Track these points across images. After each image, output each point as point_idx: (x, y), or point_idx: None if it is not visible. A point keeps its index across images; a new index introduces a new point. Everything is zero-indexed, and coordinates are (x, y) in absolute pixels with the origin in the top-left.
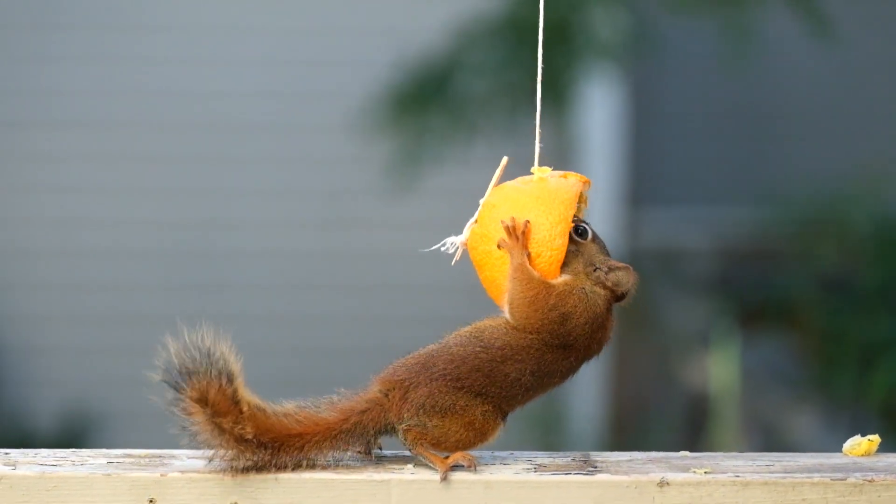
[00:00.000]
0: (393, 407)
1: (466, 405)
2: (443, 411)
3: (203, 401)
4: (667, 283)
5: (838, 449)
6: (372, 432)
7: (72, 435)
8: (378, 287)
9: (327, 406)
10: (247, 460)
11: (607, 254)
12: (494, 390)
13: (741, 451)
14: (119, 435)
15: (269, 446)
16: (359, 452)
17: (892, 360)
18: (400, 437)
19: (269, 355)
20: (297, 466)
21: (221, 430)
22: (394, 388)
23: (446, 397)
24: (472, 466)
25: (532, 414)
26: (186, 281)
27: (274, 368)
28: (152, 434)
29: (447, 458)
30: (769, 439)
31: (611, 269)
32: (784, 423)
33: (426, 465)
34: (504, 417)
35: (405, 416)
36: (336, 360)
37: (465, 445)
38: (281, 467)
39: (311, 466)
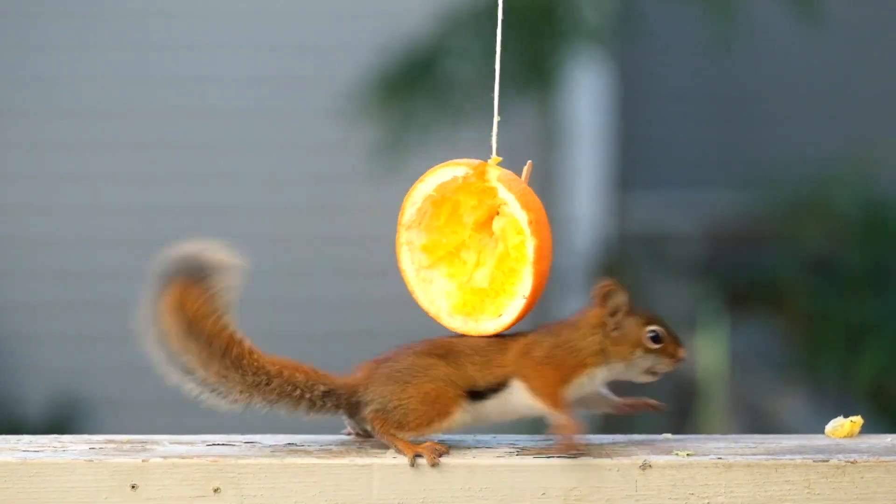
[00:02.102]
0: (361, 381)
1: (426, 366)
2: (404, 379)
3: (179, 303)
4: (654, 266)
5: (825, 431)
6: (343, 401)
7: (61, 422)
8: (365, 272)
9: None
10: (229, 384)
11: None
12: (454, 361)
13: (728, 433)
14: (108, 422)
15: (248, 371)
16: (358, 435)
17: (879, 342)
18: (369, 427)
19: (256, 340)
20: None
21: (204, 335)
22: (370, 365)
23: (407, 359)
24: (434, 460)
25: None
26: None
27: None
28: (142, 421)
29: (419, 445)
30: (756, 422)
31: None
32: (771, 406)
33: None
34: (466, 394)
35: (371, 389)
36: (322, 345)
37: (427, 423)
38: (257, 392)
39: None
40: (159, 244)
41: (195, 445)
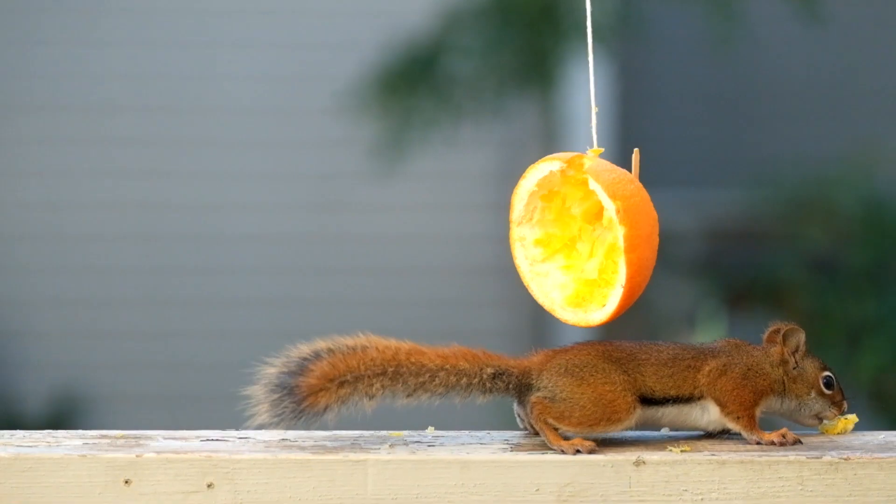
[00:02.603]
0: (536, 366)
1: (605, 370)
2: (580, 375)
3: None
4: (656, 264)
5: (818, 428)
6: (513, 382)
7: (59, 418)
8: (366, 269)
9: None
10: (395, 392)
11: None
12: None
13: None
14: (107, 418)
15: (409, 376)
16: (524, 430)
17: (879, 340)
18: (527, 410)
19: (256, 338)
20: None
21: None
22: (546, 353)
23: (586, 357)
24: (589, 451)
25: None
26: (174, 264)
27: (261, 351)
28: (139, 417)
29: (567, 440)
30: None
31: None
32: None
33: (412, 442)
34: (640, 401)
35: (544, 376)
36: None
37: (592, 424)
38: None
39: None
40: (158, 241)
41: (189, 441)
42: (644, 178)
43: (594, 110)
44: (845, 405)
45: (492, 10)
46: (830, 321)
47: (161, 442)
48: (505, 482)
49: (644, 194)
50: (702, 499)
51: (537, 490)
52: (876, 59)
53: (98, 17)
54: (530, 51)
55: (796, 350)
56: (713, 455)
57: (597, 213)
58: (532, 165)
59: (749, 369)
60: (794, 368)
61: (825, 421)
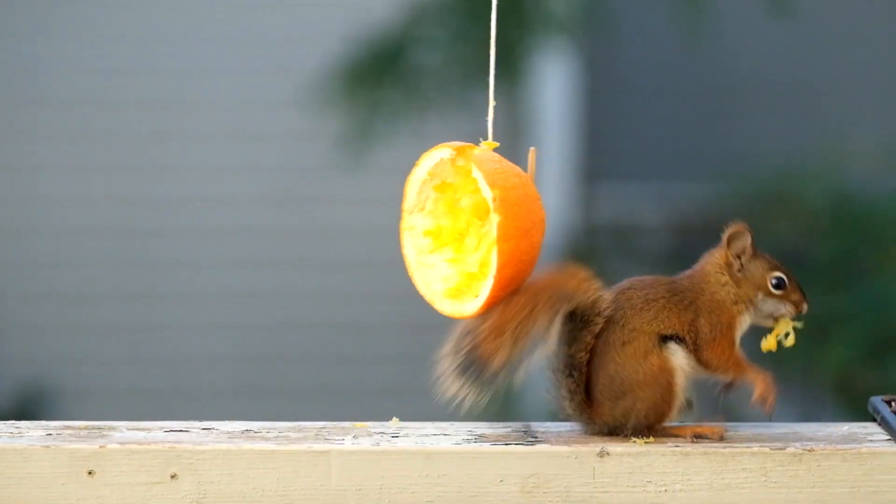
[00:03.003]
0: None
1: None
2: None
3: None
4: (621, 257)
5: (790, 421)
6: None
7: (25, 411)
8: (333, 261)
9: None
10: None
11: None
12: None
13: (691, 422)
14: (73, 410)
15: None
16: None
17: (846, 334)
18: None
19: (223, 331)
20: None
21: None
22: None
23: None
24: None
25: None
26: (141, 258)
27: (229, 344)
28: (105, 411)
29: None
30: (720, 412)
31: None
32: (737, 396)
33: (375, 433)
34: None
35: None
36: (290, 336)
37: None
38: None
39: None
40: (126, 235)
41: (152, 432)
42: (611, 169)
43: (491, 104)
44: (804, 306)
45: (458, 1)
46: (798, 315)
47: (124, 433)
48: (468, 473)
49: (530, 190)
50: (665, 490)
51: (501, 481)
52: (843, 53)
53: (64, 11)
54: (496, 43)
55: (740, 254)
56: (677, 447)
57: (487, 209)
58: (425, 152)
59: (709, 315)
60: (738, 271)
61: (780, 322)
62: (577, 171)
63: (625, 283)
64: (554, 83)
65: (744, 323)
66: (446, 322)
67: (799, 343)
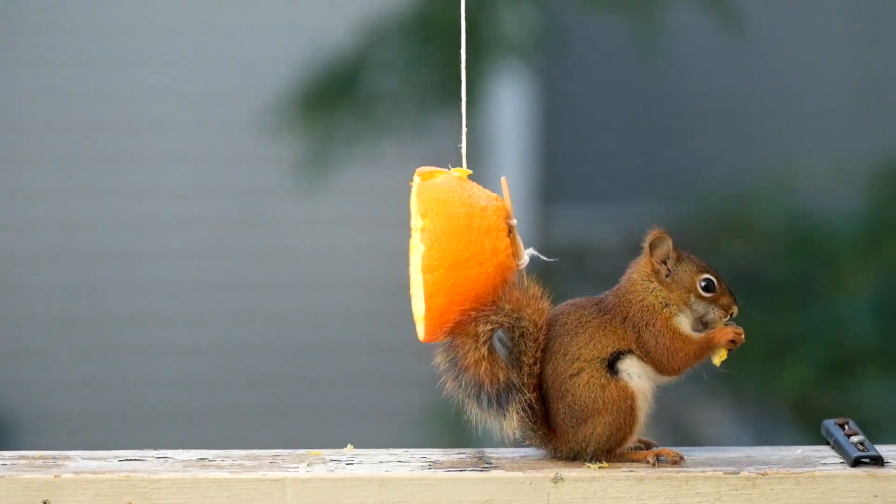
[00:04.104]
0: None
1: None
2: None
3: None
4: (578, 280)
5: (747, 444)
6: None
7: None
8: (289, 284)
9: None
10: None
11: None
12: None
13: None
14: (27, 438)
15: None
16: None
17: (802, 355)
18: None
19: (177, 355)
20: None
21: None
22: None
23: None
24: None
25: (435, 410)
26: (97, 281)
27: (183, 368)
28: (59, 438)
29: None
30: (677, 434)
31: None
32: (693, 418)
33: (330, 461)
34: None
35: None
36: (246, 358)
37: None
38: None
39: None
40: (79, 259)
41: (108, 461)
42: (567, 192)
43: (464, 130)
44: (734, 309)
45: (413, 26)
46: (754, 336)
47: (80, 462)
48: (423, 499)
49: (480, 222)
50: None
51: None
52: (796, 74)
53: (16, 35)
54: (451, 67)
55: (665, 259)
56: (631, 471)
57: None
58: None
59: (647, 329)
60: (666, 276)
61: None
62: (534, 194)
63: (557, 308)
64: (510, 106)
65: (682, 324)
66: (402, 344)
67: (755, 364)
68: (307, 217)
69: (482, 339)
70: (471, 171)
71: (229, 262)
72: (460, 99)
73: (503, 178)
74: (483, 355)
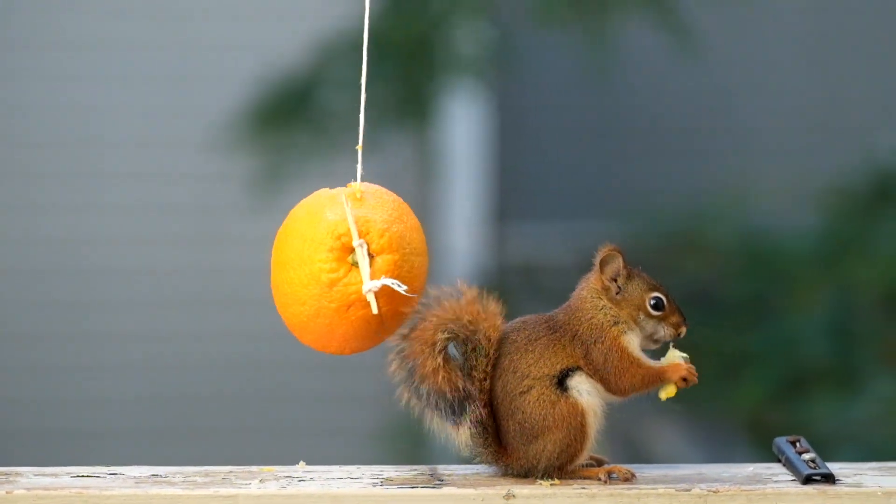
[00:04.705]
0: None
1: None
2: None
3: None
4: (533, 298)
5: (700, 461)
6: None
7: None
8: (244, 302)
9: None
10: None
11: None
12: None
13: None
14: None
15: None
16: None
17: (756, 373)
18: None
19: (130, 373)
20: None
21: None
22: None
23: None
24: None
25: (389, 427)
26: (44, 299)
27: (137, 385)
28: (9, 453)
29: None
30: (630, 452)
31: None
32: (646, 436)
33: (282, 477)
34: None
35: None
36: (200, 375)
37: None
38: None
39: None
40: (30, 275)
41: (59, 477)
42: (521, 209)
43: (359, 148)
44: (683, 329)
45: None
46: (708, 354)
47: (31, 478)
48: None
49: (309, 232)
50: None
51: None
52: (751, 92)
53: None
54: (405, 84)
55: (617, 275)
56: (583, 489)
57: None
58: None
59: (596, 347)
60: (616, 294)
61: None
62: (488, 212)
63: (507, 325)
64: (463, 124)
65: (631, 343)
66: (356, 360)
67: (708, 382)
68: (261, 234)
69: (438, 348)
70: (360, 189)
71: (183, 279)
72: (414, 116)
73: (344, 196)
74: (439, 364)
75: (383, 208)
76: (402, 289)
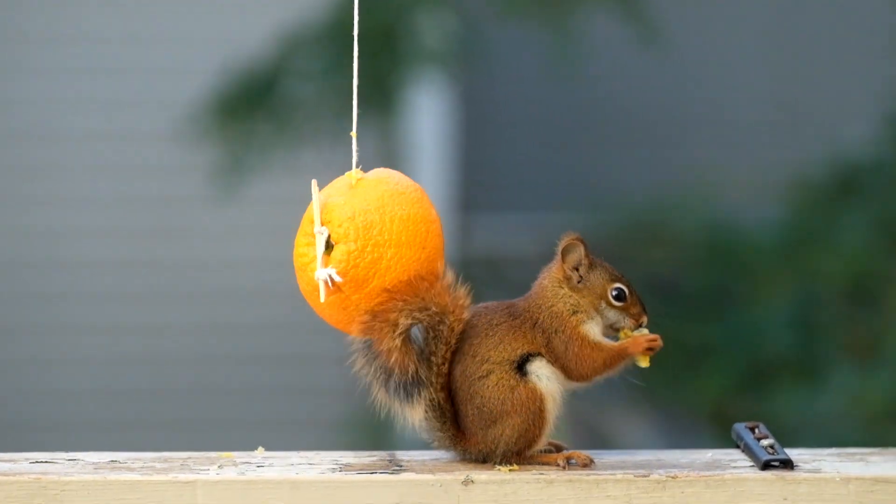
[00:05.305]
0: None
1: None
2: None
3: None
4: (497, 289)
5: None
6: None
7: None
8: (206, 294)
9: None
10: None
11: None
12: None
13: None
14: None
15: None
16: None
17: (719, 364)
18: None
19: (93, 365)
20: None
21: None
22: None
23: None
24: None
25: (351, 420)
26: (14, 291)
27: (98, 377)
28: None
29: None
30: (593, 441)
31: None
32: (608, 426)
33: (241, 463)
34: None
35: None
36: (164, 368)
37: None
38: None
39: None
40: (1, 267)
41: (18, 463)
42: (486, 201)
43: (354, 135)
44: (644, 319)
45: (330, 33)
46: (670, 345)
47: None
48: (334, 502)
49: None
50: None
51: None
52: (715, 85)
53: None
54: (370, 75)
55: (579, 264)
56: (541, 474)
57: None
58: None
59: (556, 334)
60: (578, 282)
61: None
62: (453, 203)
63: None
64: (429, 115)
65: (591, 331)
66: (319, 355)
67: (671, 373)
68: (224, 226)
69: (399, 330)
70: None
71: (144, 271)
72: (378, 107)
73: (313, 181)
74: (397, 346)
75: (366, 197)
76: (331, 282)
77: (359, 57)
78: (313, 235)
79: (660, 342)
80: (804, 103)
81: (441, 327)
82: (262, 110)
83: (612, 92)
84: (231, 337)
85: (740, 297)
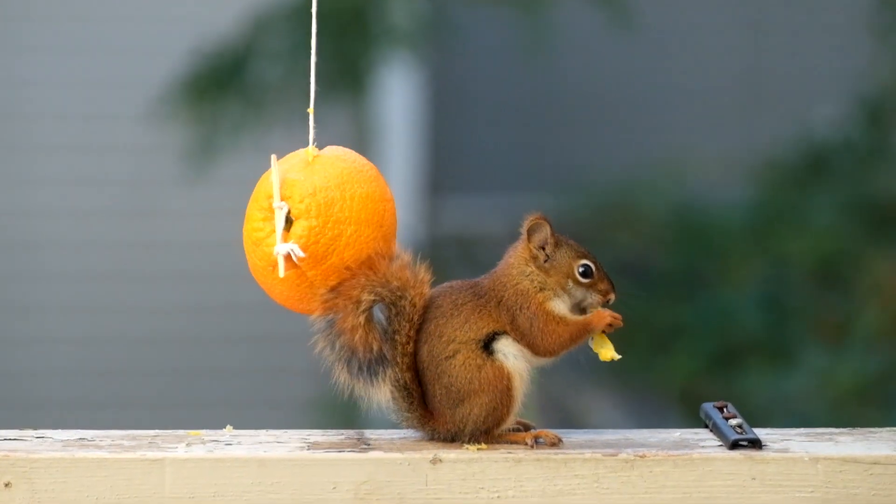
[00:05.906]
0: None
1: None
2: None
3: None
4: (466, 270)
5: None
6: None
7: None
8: (177, 274)
9: None
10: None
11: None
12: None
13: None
14: None
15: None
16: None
17: (688, 345)
18: None
19: (63, 345)
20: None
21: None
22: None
23: None
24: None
25: (320, 401)
26: None
27: (68, 356)
28: None
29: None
30: (564, 422)
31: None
32: (578, 407)
33: (209, 441)
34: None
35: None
36: (133, 348)
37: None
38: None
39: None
40: None
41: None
42: (456, 182)
43: (311, 111)
44: (612, 296)
45: (301, 14)
46: (641, 326)
47: None
48: (302, 480)
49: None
50: (498, 496)
51: (334, 488)
52: (683, 65)
53: None
54: (340, 56)
55: (545, 243)
56: (510, 453)
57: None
58: None
59: (521, 312)
60: (545, 262)
61: (589, 310)
62: (422, 184)
63: (433, 290)
64: (398, 96)
65: (557, 307)
66: (291, 335)
67: (641, 354)
68: (194, 207)
69: (362, 308)
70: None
71: (115, 252)
72: (349, 88)
73: (272, 156)
74: (360, 323)
75: (325, 174)
76: (295, 257)
77: (329, 38)
78: (270, 210)
79: (621, 321)
80: (773, 84)
81: (403, 303)
82: (232, 91)
83: (582, 74)
84: (200, 317)
85: (710, 279)
